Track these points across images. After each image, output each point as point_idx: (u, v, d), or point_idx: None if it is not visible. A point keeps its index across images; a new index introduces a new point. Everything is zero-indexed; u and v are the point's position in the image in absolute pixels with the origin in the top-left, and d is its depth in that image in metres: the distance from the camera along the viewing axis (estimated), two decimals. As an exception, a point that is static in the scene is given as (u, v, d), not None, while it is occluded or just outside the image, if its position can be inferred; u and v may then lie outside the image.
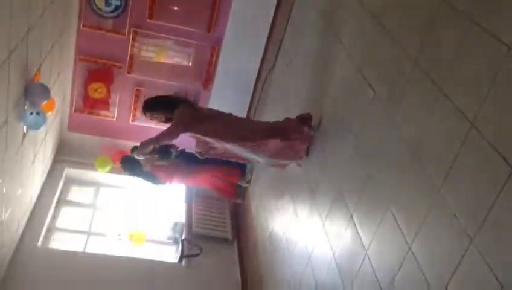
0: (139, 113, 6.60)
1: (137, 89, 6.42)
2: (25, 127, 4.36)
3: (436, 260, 2.26)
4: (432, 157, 2.40)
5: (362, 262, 2.89)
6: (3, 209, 4.22)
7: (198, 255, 5.62)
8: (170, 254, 6.07)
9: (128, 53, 6.12)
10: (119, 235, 5.90)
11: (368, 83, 3.17)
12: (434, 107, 2.42)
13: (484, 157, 2.03)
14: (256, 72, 6.30)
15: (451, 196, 2.20)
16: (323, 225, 3.55)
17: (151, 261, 5.61)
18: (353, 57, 3.48)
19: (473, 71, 2.19)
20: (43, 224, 5.60)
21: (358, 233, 3.00)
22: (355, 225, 3.06)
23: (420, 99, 2.57)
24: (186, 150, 6.12)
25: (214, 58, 6.28)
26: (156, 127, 6.63)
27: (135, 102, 6.51)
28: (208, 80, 6.44)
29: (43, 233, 5.53)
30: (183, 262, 5.58)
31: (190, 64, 6.34)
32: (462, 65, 2.27)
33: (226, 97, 6.49)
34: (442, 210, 2.23)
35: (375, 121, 3.03)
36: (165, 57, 6.27)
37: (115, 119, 6.61)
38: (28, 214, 5.43)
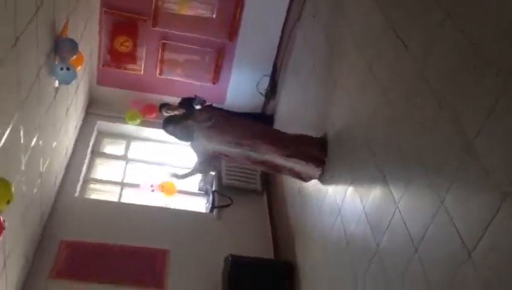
0: (165, 66, 6.62)
1: (163, 43, 6.40)
2: (56, 82, 4.43)
3: (469, 214, 2.26)
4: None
5: (393, 216, 2.91)
6: (41, 160, 4.36)
7: (229, 206, 5.73)
8: (201, 205, 6.22)
9: (153, 5, 6.07)
10: (151, 186, 6.05)
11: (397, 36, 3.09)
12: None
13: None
14: (282, 22, 6.20)
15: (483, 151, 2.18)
16: (353, 179, 3.57)
17: (183, 211, 5.77)
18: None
19: None
20: (79, 175, 5.80)
21: (389, 188, 3.01)
22: (385, 179, 3.06)
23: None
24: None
25: (239, 9, 6.17)
26: (182, 80, 6.68)
27: (161, 55, 6.50)
28: (232, 31, 6.36)
29: (79, 184, 5.73)
30: (214, 213, 5.72)
31: (214, 16, 6.25)
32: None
33: (252, 47, 6.44)
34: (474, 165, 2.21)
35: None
36: (187, 8, 6.18)
37: (142, 72, 6.65)
38: (64, 166, 5.62)
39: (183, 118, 4.28)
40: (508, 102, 2.08)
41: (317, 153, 4.10)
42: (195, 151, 4.30)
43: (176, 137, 4.30)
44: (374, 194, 3.20)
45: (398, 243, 2.83)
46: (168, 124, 4.28)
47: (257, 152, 4.11)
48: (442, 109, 2.54)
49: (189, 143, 4.30)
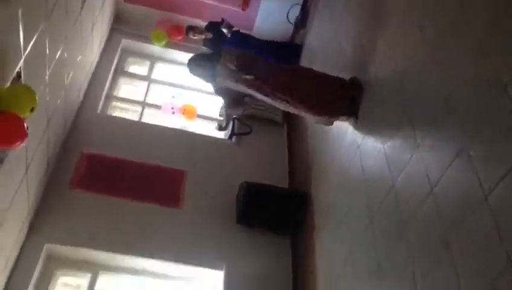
0: (195, -13, 6.43)
1: (194, -39, 6.19)
2: (83, -5, 4.36)
3: (489, 158, 2.22)
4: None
5: (411, 156, 2.88)
6: (66, 73, 4.38)
7: (248, 133, 5.74)
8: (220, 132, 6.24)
9: None
10: (172, 108, 6.07)
11: None
12: None
13: None
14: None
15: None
16: (379, 119, 3.52)
17: (203, 136, 5.82)
18: None
19: None
20: (102, 92, 5.83)
21: (413, 129, 2.96)
22: (411, 119, 3.01)
23: None
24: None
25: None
26: (211, 2, 6.50)
27: (192, -26, 6.31)
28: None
29: (101, 101, 5.78)
30: (233, 139, 5.75)
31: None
32: None
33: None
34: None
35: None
36: None
37: (171, -9, 6.49)
38: (87, 80, 5.64)
39: (209, 59, 3.90)
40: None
41: (348, 108, 3.82)
42: (220, 94, 4.05)
43: (200, 77, 4.00)
44: (397, 134, 3.16)
45: (414, 182, 2.82)
46: (193, 64, 3.95)
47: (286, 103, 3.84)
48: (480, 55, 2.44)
49: (212, 85, 4.01)
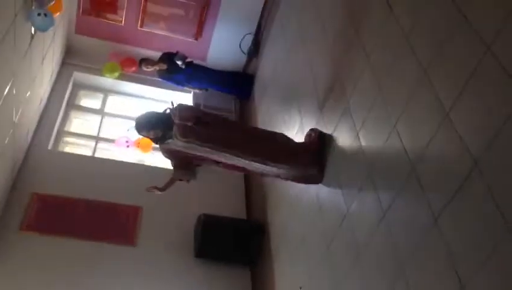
0: (147, 18, 6.45)
1: (145, -7, 6.21)
2: (32, 29, 4.28)
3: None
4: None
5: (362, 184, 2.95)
6: (14, 110, 4.25)
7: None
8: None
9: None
10: (126, 141, 5.98)
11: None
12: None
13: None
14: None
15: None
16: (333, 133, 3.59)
17: (158, 169, 5.73)
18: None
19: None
20: (53, 127, 5.69)
21: (363, 150, 3.03)
22: (360, 141, 3.08)
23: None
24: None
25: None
26: (164, 34, 6.52)
27: (144, 6, 6.32)
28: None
29: (53, 137, 5.63)
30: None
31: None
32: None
33: (237, 3, 6.31)
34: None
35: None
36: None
37: (123, 23, 6.47)
38: (37, 117, 5.50)
39: (159, 121, 3.44)
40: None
41: (313, 166, 3.58)
42: (168, 156, 3.63)
43: (149, 138, 3.56)
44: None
45: (366, 207, 2.88)
46: (142, 124, 3.47)
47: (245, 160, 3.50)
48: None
49: (161, 147, 3.60)
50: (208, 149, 3.42)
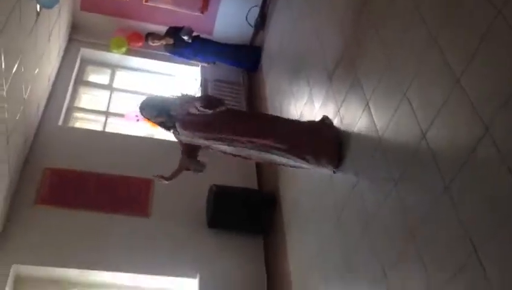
0: (152, -8, 6.39)
1: (150, -33, 6.14)
2: (38, 6, 4.26)
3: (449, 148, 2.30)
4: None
5: (376, 146, 2.95)
6: (23, 87, 4.28)
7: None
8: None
9: None
10: (136, 116, 5.99)
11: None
12: None
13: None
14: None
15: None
16: (339, 111, 3.58)
17: (168, 142, 5.75)
18: None
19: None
20: (63, 104, 5.71)
21: (373, 119, 3.03)
22: (370, 110, 3.07)
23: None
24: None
25: None
26: (169, 8, 6.47)
27: (148, -20, 6.26)
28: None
29: (63, 113, 5.67)
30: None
31: None
32: None
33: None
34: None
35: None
36: None
37: (128, -2, 6.41)
38: (47, 93, 5.52)
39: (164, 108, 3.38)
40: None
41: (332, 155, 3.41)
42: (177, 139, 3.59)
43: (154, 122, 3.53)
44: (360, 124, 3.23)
45: (377, 175, 2.89)
46: (146, 108, 3.43)
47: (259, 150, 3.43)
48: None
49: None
50: (215, 138, 3.34)
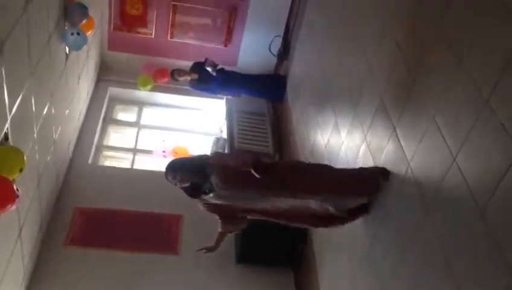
0: (177, 29, 6.53)
1: (173, 4, 6.29)
2: (67, 48, 4.40)
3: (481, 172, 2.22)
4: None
5: (406, 172, 2.88)
6: (54, 128, 4.38)
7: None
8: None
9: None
10: (163, 151, 6.07)
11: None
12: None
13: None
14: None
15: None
16: (365, 138, 3.52)
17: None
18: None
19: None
20: (92, 142, 5.83)
21: (400, 145, 2.97)
22: (397, 136, 3.02)
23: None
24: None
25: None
26: (194, 43, 6.59)
27: (172, 18, 6.41)
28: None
29: (92, 151, 5.77)
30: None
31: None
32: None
33: (264, 7, 6.32)
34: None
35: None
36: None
37: (153, 36, 6.57)
38: (77, 133, 5.65)
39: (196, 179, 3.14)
40: None
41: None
42: (208, 210, 3.36)
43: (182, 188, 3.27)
44: (387, 151, 3.17)
45: (408, 204, 2.81)
46: (172, 172, 3.18)
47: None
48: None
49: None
50: (254, 196, 3.06)
